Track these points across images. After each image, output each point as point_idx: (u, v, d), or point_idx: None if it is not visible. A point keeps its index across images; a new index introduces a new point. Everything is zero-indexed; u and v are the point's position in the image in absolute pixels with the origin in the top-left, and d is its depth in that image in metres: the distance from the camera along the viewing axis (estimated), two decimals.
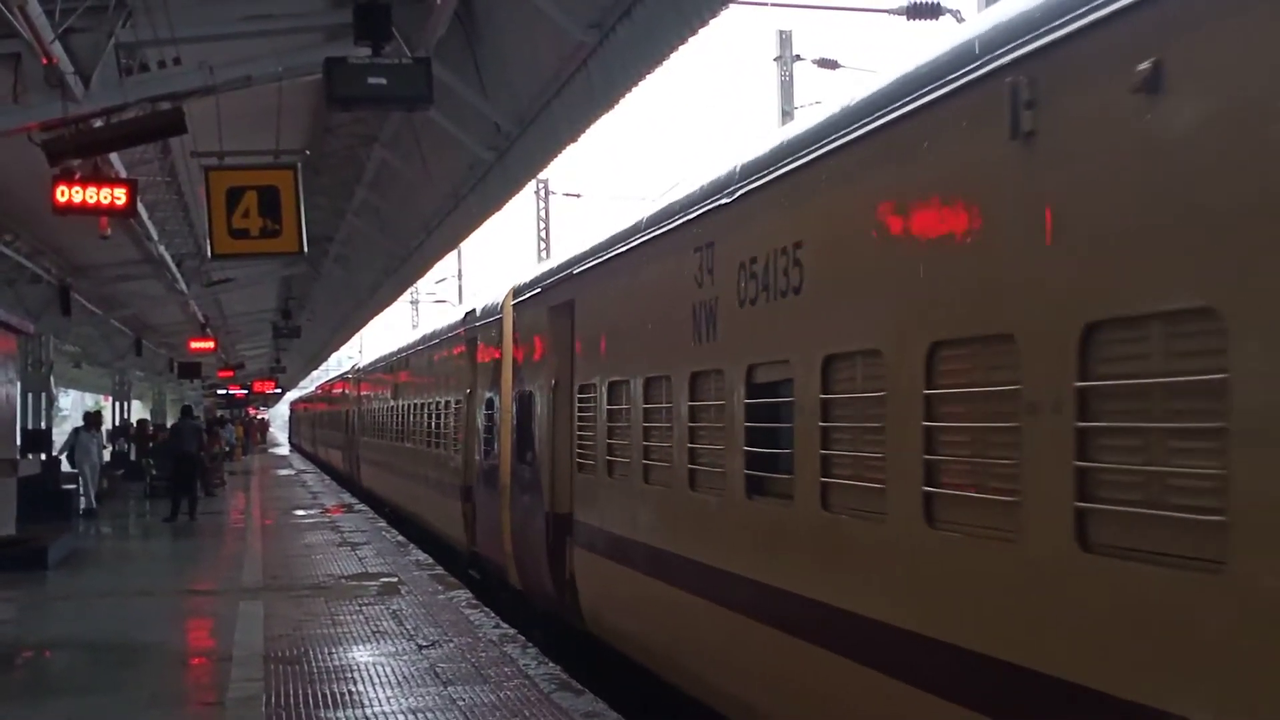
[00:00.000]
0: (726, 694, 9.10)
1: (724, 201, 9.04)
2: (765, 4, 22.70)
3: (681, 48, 10.43)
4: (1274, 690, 4.15)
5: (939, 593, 6.21)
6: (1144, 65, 4.69)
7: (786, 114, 26.91)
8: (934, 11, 21.13)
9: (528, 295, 15.62)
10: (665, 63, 10.90)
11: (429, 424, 24.29)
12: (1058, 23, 5.23)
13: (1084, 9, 5.04)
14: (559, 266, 14.41)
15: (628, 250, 11.43)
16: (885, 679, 6.59)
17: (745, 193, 8.67)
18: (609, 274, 12.10)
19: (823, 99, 13.17)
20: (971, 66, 5.88)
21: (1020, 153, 5.49)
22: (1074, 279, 5.18)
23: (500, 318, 17.10)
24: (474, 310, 20.30)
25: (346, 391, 47.15)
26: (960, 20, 20.29)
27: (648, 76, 11.31)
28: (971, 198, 5.95)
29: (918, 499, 6.27)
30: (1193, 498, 4.57)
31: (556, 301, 13.95)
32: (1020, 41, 5.49)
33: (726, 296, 8.88)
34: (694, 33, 9.97)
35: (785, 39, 28.12)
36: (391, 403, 31.78)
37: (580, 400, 13.06)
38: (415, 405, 26.79)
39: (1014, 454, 5.51)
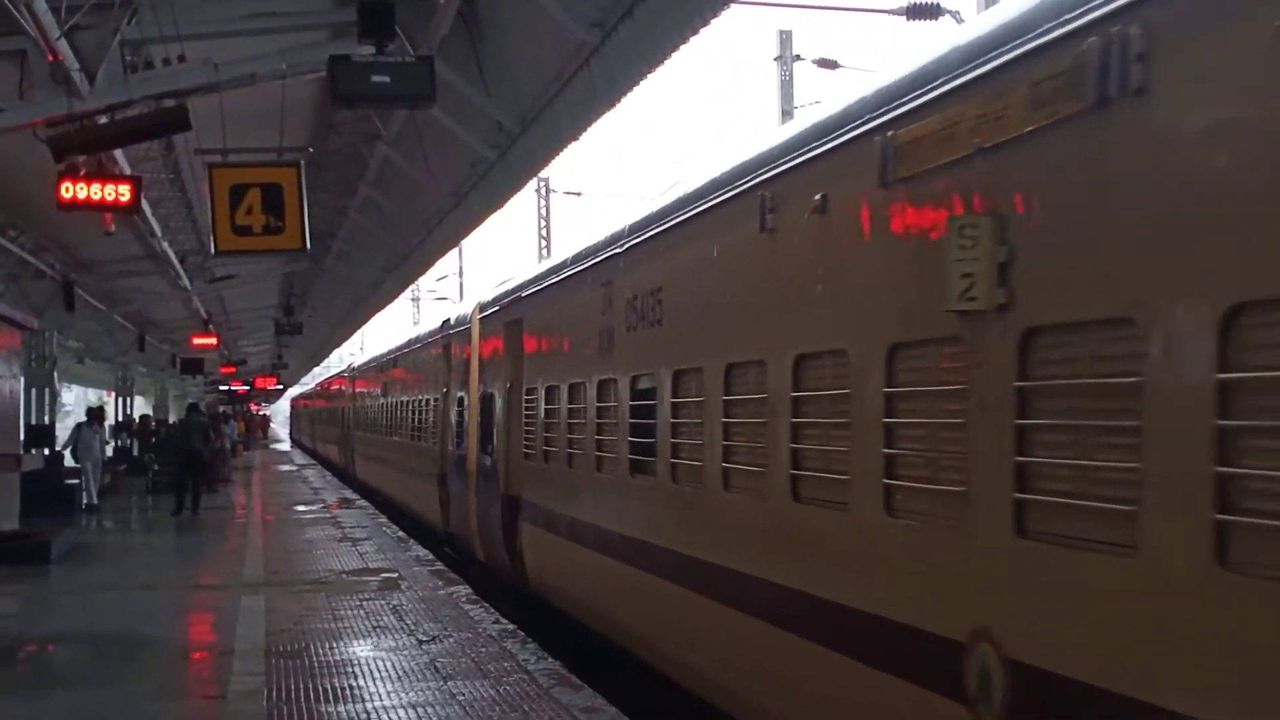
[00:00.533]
0: (626, 631, 11.58)
1: (617, 251, 11.66)
2: (766, 4, 22.71)
3: (683, 47, 10.45)
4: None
5: (730, 536, 8.93)
6: (818, 197, 7.45)
7: (786, 113, 26.91)
8: (933, 12, 21.11)
9: (489, 311, 18.45)
10: (667, 62, 10.91)
11: (412, 420, 26.89)
12: (783, 159, 8.06)
13: (795, 154, 7.87)
14: (512, 289, 17.17)
15: (558, 281, 14.12)
16: (713, 603, 9.15)
17: (629, 247, 11.30)
18: (546, 299, 14.79)
19: (822, 98, 13.28)
20: (742, 181, 8.70)
21: (766, 241, 8.26)
22: (790, 326, 7.93)
23: (469, 328, 19.86)
24: (449, 320, 23.10)
25: (342, 389, 49.13)
26: (960, 21, 20.27)
27: (649, 75, 11.33)
28: (742, 269, 8.83)
29: (719, 471, 9.01)
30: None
31: (510, 318, 16.65)
32: (767, 168, 8.31)
33: (619, 323, 11.52)
34: (695, 32, 10.00)
35: (785, 39, 28.16)
36: (381, 400, 34.30)
37: (526, 400, 15.67)
38: (400, 403, 29.30)
39: (763, 440, 8.28)
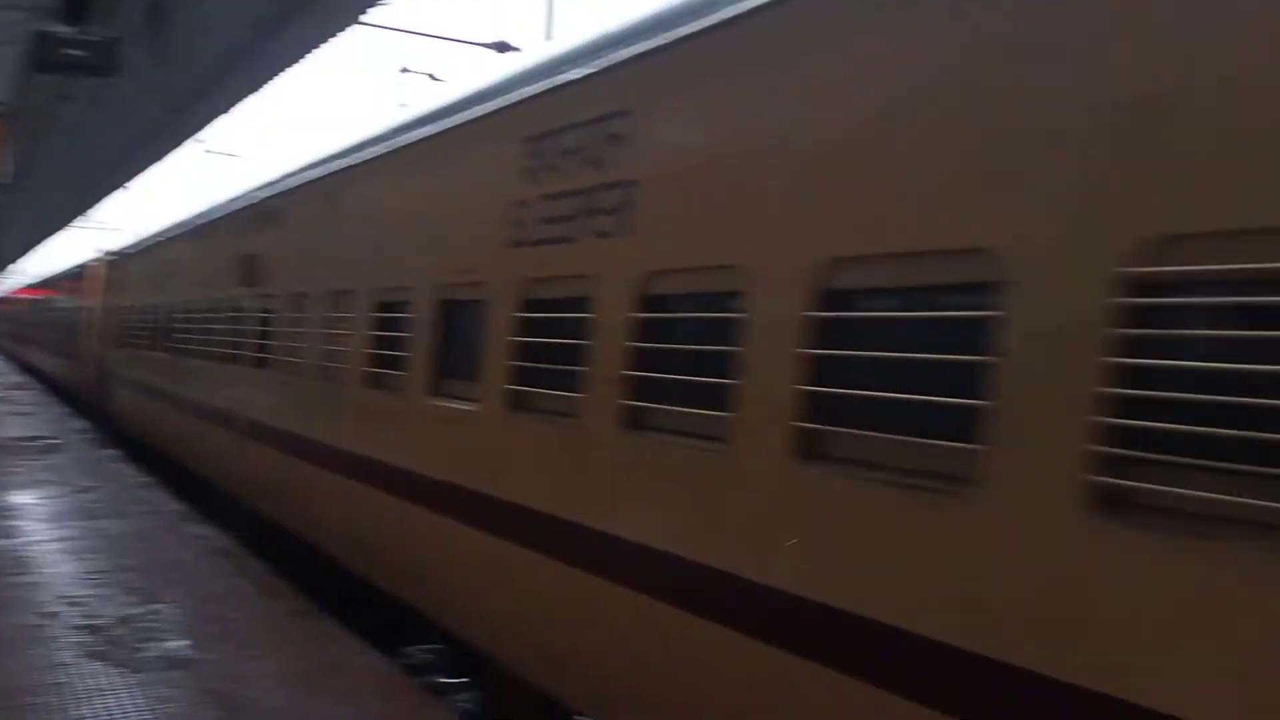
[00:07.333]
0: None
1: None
2: (385, 27, 21.66)
3: (316, 51, 10.00)
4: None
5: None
6: None
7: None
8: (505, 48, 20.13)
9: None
10: (305, 61, 10.41)
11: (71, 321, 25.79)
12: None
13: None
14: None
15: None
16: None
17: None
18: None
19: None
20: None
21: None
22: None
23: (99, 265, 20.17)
24: (87, 261, 22.67)
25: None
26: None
27: (291, 69, 10.76)
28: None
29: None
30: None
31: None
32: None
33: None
34: (326, 41, 9.57)
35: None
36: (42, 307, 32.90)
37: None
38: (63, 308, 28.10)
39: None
